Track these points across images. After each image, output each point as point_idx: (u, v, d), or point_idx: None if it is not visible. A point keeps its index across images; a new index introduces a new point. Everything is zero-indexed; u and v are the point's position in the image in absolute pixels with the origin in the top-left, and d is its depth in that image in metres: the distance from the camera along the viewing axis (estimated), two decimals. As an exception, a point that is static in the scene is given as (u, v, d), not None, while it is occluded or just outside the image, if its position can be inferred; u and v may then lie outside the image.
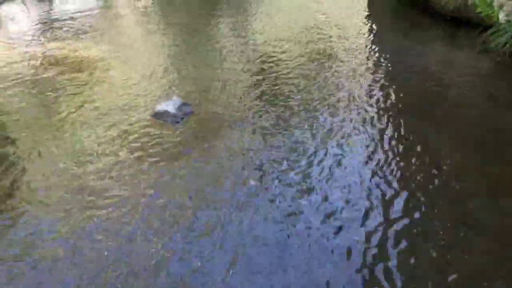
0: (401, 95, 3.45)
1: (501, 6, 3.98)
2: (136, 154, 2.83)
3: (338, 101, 3.39)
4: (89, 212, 2.36)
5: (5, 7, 6.30)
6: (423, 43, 4.28)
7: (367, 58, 4.07)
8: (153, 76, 3.97)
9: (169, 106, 3.24)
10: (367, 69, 3.88)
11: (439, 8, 4.62)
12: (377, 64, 3.95)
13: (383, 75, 3.76)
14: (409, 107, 3.27)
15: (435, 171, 2.54)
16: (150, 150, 2.87)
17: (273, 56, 4.26)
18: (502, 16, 3.92)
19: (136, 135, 3.05)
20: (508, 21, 3.83)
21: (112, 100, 3.59)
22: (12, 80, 4.07)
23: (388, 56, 4.11)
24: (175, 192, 2.48)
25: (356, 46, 4.33)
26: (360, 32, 4.68)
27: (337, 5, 5.59)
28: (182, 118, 3.21)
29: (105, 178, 2.61)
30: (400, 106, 3.30)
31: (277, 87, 3.67)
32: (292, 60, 4.15)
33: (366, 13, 5.34)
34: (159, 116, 3.23)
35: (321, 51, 4.29)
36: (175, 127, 3.14)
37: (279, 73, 3.93)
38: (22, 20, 5.84)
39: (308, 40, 4.58)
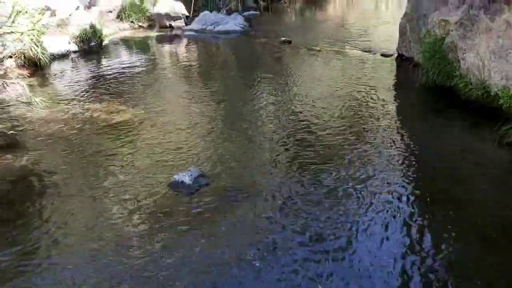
0: (420, 180, 3.46)
1: (523, 100, 4.00)
2: (143, 226, 2.94)
3: (362, 182, 3.42)
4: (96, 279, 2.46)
5: (56, 65, 6.80)
6: (444, 129, 4.31)
7: (391, 140, 4.11)
8: (178, 144, 4.16)
9: (186, 177, 3.38)
10: (390, 149, 3.92)
11: (463, 95, 4.68)
12: (398, 146, 4.00)
13: (402, 157, 3.79)
14: (424, 191, 3.28)
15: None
16: (160, 222, 2.97)
17: (300, 129, 4.38)
18: (524, 110, 3.94)
19: (149, 205, 3.18)
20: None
21: (135, 166, 3.77)
22: (48, 136, 4.37)
23: (408, 138, 4.16)
24: (179, 270, 2.55)
25: (382, 125, 4.40)
26: (386, 111, 4.77)
27: (366, 77, 5.74)
28: (197, 190, 3.33)
29: (115, 246, 2.72)
30: (416, 190, 3.31)
31: (300, 161, 3.76)
32: (319, 133, 4.25)
33: (393, 92, 5.44)
34: (175, 186, 3.36)
35: (349, 126, 4.39)
36: (189, 198, 3.26)
37: (304, 146, 4.03)
38: (69, 78, 6.28)
39: (337, 114, 4.70)
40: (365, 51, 6.82)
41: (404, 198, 3.22)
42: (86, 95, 5.52)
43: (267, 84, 5.80)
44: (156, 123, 4.67)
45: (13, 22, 5.02)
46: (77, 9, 8.25)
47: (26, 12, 5.81)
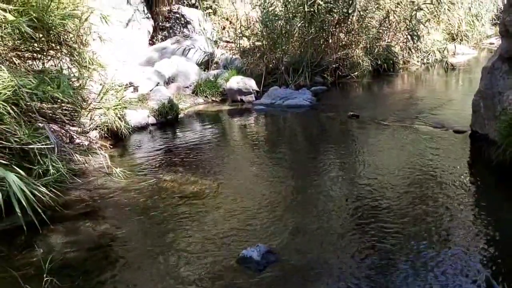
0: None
1: None
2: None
3: (436, 266, 3.28)
4: None
5: (136, 136, 7.27)
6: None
7: (466, 225, 3.92)
8: (247, 217, 4.22)
9: (254, 252, 3.40)
10: (466, 234, 3.74)
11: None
12: (475, 233, 3.79)
13: (482, 245, 3.59)
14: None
15: None
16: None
17: (369, 205, 4.31)
18: None
19: (217, 279, 3.21)
20: None
21: (205, 238, 3.86)
22: (125, 206, 4.62)
23: (486, 225, 3.94)
24: None
25: (456, 207, 4.23)
26: (461, 192, 4.58)
27: (437, 153, 5.59)
28: (265, 267, 3.32)
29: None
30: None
31: (370, 239, 3.67)
32: (389, 211, 4.16)
33: (468, 171, 5.25)
34: (243, 262, 3.39)
35: (420, 205, 4.26)
36: (257, 275, 3.26)
37: (374, 223, 3.94)
38: (146, 150, 6.68)
39: (407, 193, 4.59)
40: (436, 127, 6.70)
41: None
42: (161, 166, 5.82)
43: (334, 158, 5.82)
44: (227, 195, 4.80)
45: (101, 98, 5.53)
46: (157, 85, 8.92)
47: (112, 89, 6.38)
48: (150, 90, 8.65)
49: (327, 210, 4.35)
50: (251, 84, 9.25)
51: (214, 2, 13.28)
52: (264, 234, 3.89)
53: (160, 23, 12.36)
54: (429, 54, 12.84)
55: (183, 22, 12.28)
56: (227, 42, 12.74)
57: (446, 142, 6.11)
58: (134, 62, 9.91)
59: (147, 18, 11.43)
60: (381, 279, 3.18)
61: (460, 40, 14.89)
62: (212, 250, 3.66)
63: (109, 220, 4.39)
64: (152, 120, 7.86)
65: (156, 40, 11.99)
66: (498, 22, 15.53)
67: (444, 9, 12.77)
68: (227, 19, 13.38)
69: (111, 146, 6.46)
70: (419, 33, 12.22)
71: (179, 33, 11.74)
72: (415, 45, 12.46)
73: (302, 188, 5.00)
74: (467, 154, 5.76)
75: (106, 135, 6.72)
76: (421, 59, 12.68)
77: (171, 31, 12.16)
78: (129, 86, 8.61)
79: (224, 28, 13.30)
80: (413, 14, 11.96)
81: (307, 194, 4.79)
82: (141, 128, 7.62)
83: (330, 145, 6.53)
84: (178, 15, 12.41)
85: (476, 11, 14.89)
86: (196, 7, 12.79)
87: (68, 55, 5.36)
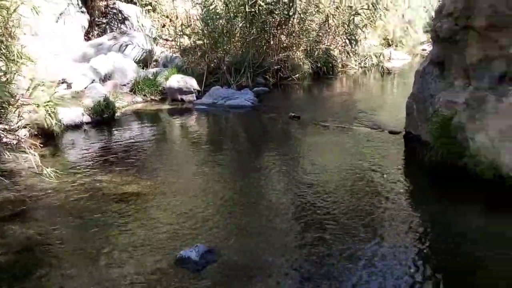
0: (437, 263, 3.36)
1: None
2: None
3: (376, 259, 3.33)
4: None
5: (69, 135, 6.92)
6: (458, 211, 4.24)
7: (402, 220, 4.04)
8: (186, 217, 4.11)
9: (193, 253, 3.30)
10: (402, 229, 3.84)
11: (473, 175, 4.65)
12: (410, 226, 3.91)
13: (416, 239, 3.70)
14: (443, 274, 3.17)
15: None
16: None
17: (310, 205, 4.33)
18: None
19: (154, 281, 3.08)
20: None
21: (142, 239, 3.71)
22: (56, 207, 4.36)
23: (422, 219, 4.09)
24: None
25: (392, 205, 4.34)
26: (396, 189, 4.72)
27: (374, 154, 5.74)
28: (204, 267, 3.23)
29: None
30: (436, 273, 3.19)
31: (311, 240, 3.68)
32: (329, 211, 4.19)
33: (403, 169, 5.42)
34: (180, 262, 3.28)
35: (360, 204, 4.35)
36: (195, 275, 3.17)
37: (314, 224, 3.96)
38: (80, 149, 6.36)
39: (347, 191, 4.67)
40: (372, 128, 6.90)
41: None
42: (96, 166, 5.56)
43: (276, 158, 5.83)
44: (166, 195, 4.65)
45: (30, 94, 5.19)
46: (92, 82, 8.55)
47: (43, 84, 6.03)
48: (85, 88, 8.28)
49: (268, 209, 4.33)
50: (192, 83, 9.11)
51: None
52: (204, 234, 3.80)
53: (97, 19, 11.91)
54: (366, 59, 13.23)
55: (120, 18, 11.88)
56: (167, 40, 12.49)
57: (381, 142, 6.30)
58: (68, 58, 9.45)
59: (82, 12, 10.96)
60: (320, 275, 3.19)
61: (395, 46, 15.51)
62: (149, 251, 3.52)
63: (39, 222, 4.12)
64: (87, 118, 7.52)
65: (92, 36, 11.53)
66: (430, 29, 16.39)
67: (380, 15, 13.24)
68: (167, 16, 13.11)
69: (42, 145, 6.10)
70: (356, 37, 12.59)
71: (116, 29, 11.35)
72: (353, 49, 12.82)
73: (243, 187, 4.95)
74: (401, 155, 5.96)
75: (36, 133, 6.35)
76: (359, 63, 13.05)
77: (107, 27, 11.73)
78: (62, 83, 8.20)
79: (164, 26, 13.00)
80: (351, 18, 12.31)
81: (248, 194, 4.75)
82: (75, 127, 7.27)
83: (271, 145, 6.54)
84: (115, 11, 12.00)
85: (409, 19, 15.58)
86: (135, 3, 12.42)
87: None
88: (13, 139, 5.19)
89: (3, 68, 4.96)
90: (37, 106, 5.30)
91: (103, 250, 3.57)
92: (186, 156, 6.12)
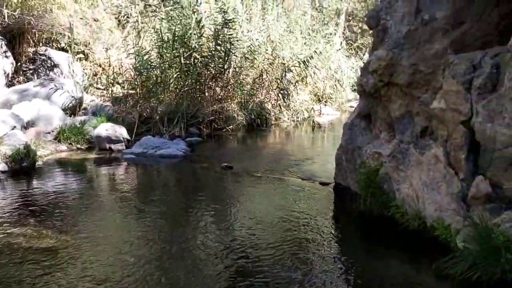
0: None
1: (457, 232, 4.08)
2: None
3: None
4: None
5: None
6: (383, 260, 4.26)
7: (329, 270, 3.97)
8: (102, 278, 3.79)
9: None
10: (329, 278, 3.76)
11: (400, 225, 4.74)
12: (336, 276, 3.85)
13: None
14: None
15: None
16: None
17: (239, 258, 4.16)
18: (459, 242, 3.99)
19: None
20: (466, 247, 3.88)
21: None
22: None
23: (347, 268, 4.05)
24: None
25: (320, 254, 4.29)
26: (325, 240, 4.69)
27: (305, 205, 5.72)
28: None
29: None
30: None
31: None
32: (260, 263, 4.04)
33: (332, 220, 5.44)
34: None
35: (289, 254, 4.26)
36: None
37: (244, 275, 3.79)
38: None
39: (277, 242, 4.56)
40: (304, 179, 6.94)
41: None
42: (8, 218, 5.09)
43: (207, 209, 5.67)
44: (85, 250, 4.31)
45: None
46: (13, 129, 8.03)
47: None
48: (4, 134, 7.74)
49: (199, 261, 4.12)
50: (122, 132, 8.82)
51: (86, 47, 12.72)
52: (124, 292, 3.50)
53: (24, 64, 11.43)
54: (298, 113, 13.60)
55: (49, 65, 11.46)
56: (98, 88, 12.18)
57: (312, 193, 6.33)
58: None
59: (6, 57, 10.48)
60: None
61: (325, 102, 16.13)
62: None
63: None
64: (3, 167, 6.99)
65: (17, 82, 10.99)
66: (357, 83, 17.32)
67: (311, 73, 13.81)
68: (99, 65, 12.86)
69: None
70: (289, 92, 12.98)
71: (44, 75, 10.91)
72: (285, 103, 13.16)
73: (171, 240, 4.70)
74: (331, 205, 6.01)
75: None
76: (291, 117, 13.36)
77: (35, 74, 11.26)
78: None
79: (95, 75, 12.71)
80: (283, 74, 12.72)
81: (177, 246, 4.50)
82: (-12, 177, 6.72)
83: (202, 196, 6.36)
84: (44, 57, 11.58)
85: (338, 77, 16.36)
86: (66, 51, 12.10)
87: None
88: None
89: None
90: None
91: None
92: (110, 208, 5.77)
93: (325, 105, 15.68)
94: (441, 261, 3.86)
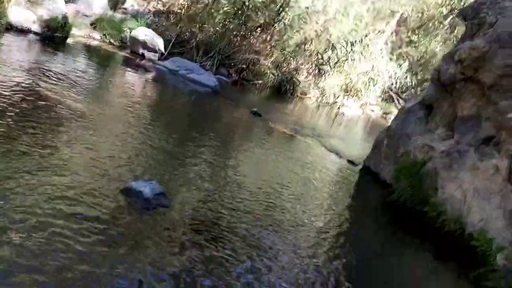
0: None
1: (500, 249, 3.82)
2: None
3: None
4: None
5: (10, 36, 5.94)
6: (412, 261, 4.03)
7: (354, 267, 3.60)
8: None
9: (146, 188, 2.69)
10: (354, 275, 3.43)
11: (434, 223, 4.47)
12: (362, 276, 3.52)
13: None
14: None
15: None
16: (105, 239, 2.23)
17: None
18: (500, 259, 3.73)
19: (96, 214, 2.43)
20: (507, 266, 3.63)
21: (80, 166, 3.02)
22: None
23: (374, 268, 3.74)
24: None
25: (336, 250, 3.87)
26: (342, 229, 4.30)
27: (329, 179, 5.42)
28: (154, 208, 2.63)
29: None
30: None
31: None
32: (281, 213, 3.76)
33: (358, 205, 5.14)
34: (129, 194, 2.65)
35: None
36: (142, 214, 2.56)
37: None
38: (18, 53, 5.45)
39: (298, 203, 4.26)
40: (330, 151, 6.63)
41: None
42: (35, 79, 4.73)
43: (242, 154, 5.36)
44: (112, 127, 3.98)
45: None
46: (55, -4, 7.56)
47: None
48: (45, -1, 7.26)
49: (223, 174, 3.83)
50: (159, 42, 8.40)
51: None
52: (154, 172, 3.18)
53: None
54: (325, 95, 13.23)
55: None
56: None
57: (339, 168, 6.05)
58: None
59: None
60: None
61: (352, 95, 15.75)
62: (95, 178, 2.85)
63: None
64: (36, 28, 6.58)
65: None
66: (388, 94, 16.94)
67: (352, 59, 13.40)
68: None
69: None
70: (325, 70, 12.60)
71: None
72: (317, 81, 12.76)
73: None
74: (358, 186, 5.70)
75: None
76: (317, 96, 13.00)
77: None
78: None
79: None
80: (327, 49, 12.30)
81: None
82: (20, 31, 6.31)
83: (234, 135, 6.05)
84: None
85: (373, 76, 15.95)
86: None
87: None
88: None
89: None
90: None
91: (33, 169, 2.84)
92: (133, 111, 5.42)
93: (352, 97, 15.34)
94: (480, 272, 3.60)
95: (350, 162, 6.35)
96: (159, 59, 8.39)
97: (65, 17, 6.92)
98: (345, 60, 13.40)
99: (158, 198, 2.69)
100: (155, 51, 8.35)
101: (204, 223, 2.81)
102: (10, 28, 6.05)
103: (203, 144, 4.94)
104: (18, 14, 6.09)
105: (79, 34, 7.70)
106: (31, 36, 6.43)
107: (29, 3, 6.81)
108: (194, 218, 2.81)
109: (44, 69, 5.13)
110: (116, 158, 3.31)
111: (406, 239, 4.46)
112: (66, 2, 7.97)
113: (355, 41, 12.68)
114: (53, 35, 6.74)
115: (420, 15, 19.91)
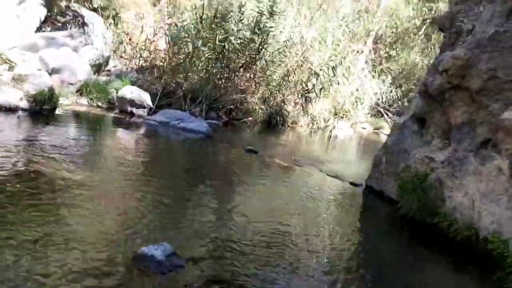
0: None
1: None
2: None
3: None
4: None
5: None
6: (430, 272, 3.96)
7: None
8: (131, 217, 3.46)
9: (157, 251, 2.67)
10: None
11: (446, 233, 4.44)
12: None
13: None
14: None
15: None
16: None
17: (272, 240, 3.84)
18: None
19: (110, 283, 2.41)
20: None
21: (91, 229, 3.01)
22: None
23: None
24: None
25: (358, 265, 3.91)
26: (362, 246, 4.33)
27: (333, 205, 5.40)
28: (170, 271, 2.60)
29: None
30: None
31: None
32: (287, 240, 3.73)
33: (366, 222, 5.14)
34: (141, 260, 2.63)
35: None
36: (157, 278, 2.53)
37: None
38: (12, 133, 5.50)
39: (304, 233, 4.24)
40: (331, 176, 6.64)
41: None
42: (29, 153, 4.76)
43: (242, 189, 5.35)
44: (107, 185, 3.98)
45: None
46: (38, 70, 7.69)
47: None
48: (29, 74, 7.38)
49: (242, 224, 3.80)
50: (146, 98, 8.50)
51: (117, 14, 12.41)
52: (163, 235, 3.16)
53: (55, 16, 11.09)
54: (315, 121, 13.35)
55: (80, 22, 11.13)
56: (121, 57, 11.86)
57: (341, 192, 6.02)
58: (17, 43, 8.51)
59: (43, 5, 10.14)
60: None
61: (341, 117, 15.89)
62: (100, 243, 2.83)
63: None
64: (24, 104, 6.65)
65: (45, 30, 10.65)
66: (377, 110, 17.09)
67: (336, 82, 13.59)
68: (127, 34, 12.55)
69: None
70: (311, 97, 12.76)
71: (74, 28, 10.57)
72: (305, 108, 12.90)
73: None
74: (364, 206, 5.74)
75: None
76: (308, 123, 13.11)
77: (64, 26, 10.92)
78: (5, 62, 7.29)
79: (121, 43, 12.40)
80: (310, 77, 12.49)
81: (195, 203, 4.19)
82: (9, 110, 6.38)
83: (231, 175, 6.07)
84: (76, 14, 11.25)
85: (359, 95, 16.14)
86: (97, 12, 11.79)
87: None
88: None
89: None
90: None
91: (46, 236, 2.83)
92: (131, 167, 5.44)
93: (342, 119, 15.46)
94: (500, 275, 3.57)
95: (352, 183, 6.35)
96: (148, 114, 8.47)
97: (51, 89, 7.01)
98: (330, 85, 13.58)
99: (170, 259, 2.66)
100: (144, 107, 8.43)
101: (221, 279, 2.78)
102: (-1, 109, 6.12)
103: (204, 191, 4.95)
104: (4, 94, 6.17)
105: (67, 103, 7.79)
106: (20, 113, 6.50)
107: (14, 80, 6.92)
108: (210, 276, 2.77)
109: (36, 144, 5.18)
110: (121, 224, 3.30)
111: (423, 252, 4.40)
112: (50, 74, 8.14)
113: (336, 65, 12.89)
114: (41, 108, 6.81)
115: (394, 30, 20.36)
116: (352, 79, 16.12)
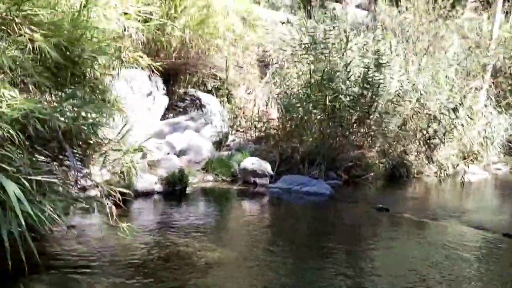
0: None
1: None
2: None
3: None
4: None
5: (138, 202, 6.52)
6: None
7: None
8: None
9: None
10: None
11: None
12: None
13: None
14: None
15: None
16: None
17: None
18: None
19: None
20: None
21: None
22: (121, 265, 3.78)
23: None
24: None
25: None
26: None
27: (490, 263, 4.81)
28: None
29: None
30: None
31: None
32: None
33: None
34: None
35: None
36: None
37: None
38: (150, 216, 5.91)
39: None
40: (477, 228, 5.99)
41: None
42: (170, 231, 5.04)
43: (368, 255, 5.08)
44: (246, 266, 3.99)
45: (122, 137, 4.94)
46: (167, 154, 8.34)
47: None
48: (160, 159, 8.03)
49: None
50: (266, 166, 8.70)
51: (229, 92, 13.22)
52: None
53: (174, 103, 12.15)
54: (442, 168, 12.50)
55: (198, 104, 12.05)
56: (238, 131, 12.47)
57: (492, 246, 5.37)
58: (145, 131, 9.40)
59: (165, 95, 11.22)
60: None
61: (472, 160, 14.72)
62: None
63: (109, 276, 3.53)
64: (159, 187, 7.18)
65: (168, 117, 11.68)
66: (509, 147, 15.60)
67: (460, 124, 12.72)
68: (240, 108, 13.24)
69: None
70: (435, 144, 12.05)
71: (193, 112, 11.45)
72: (430, 156, 12.19)
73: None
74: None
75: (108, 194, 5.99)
76: (435, 171, 12.31)
77: (184, 111, 11.89)
78: (140, 151, 8.02)
79: (236, 117, 13.09)
80: (429, 123, 11.88)
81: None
82: (146, 194, 6.91)
83: (365, 238, 5.80)
84: (193, 98, 12.23)
85: (487, 134, 14.92)
86: (212, 94, 12.69)
87: (90, 92, 4.85)
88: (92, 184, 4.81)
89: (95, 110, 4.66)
90: (123, 154, 4.95)
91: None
92: (262, 235, 5.47)
93: (472, 162, 14.32)
94: None
95: (506, 235, 5.64)
96: (270, 182, 8.62)
97: (181, 170, 7.51)
98: (453, 128, 12.76)
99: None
100: (265, 176, 8.62)
101: None
102: (138, 195, 6.64)
103: (342, 258, 4.75)
104: (142, 181, 6.71)
105: (195, 181, 8.24)
106: (155, 196, 7.00)
107: (148, 166, 7.55)
108: None
109: (173, 224, 5.49)
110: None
111: None
112: (178, 156, 8.78)
113: (457, 106, 12.15)
114: (174, 189, 7.28)
115: (512, 60, 18.91)
116: (477, 118, 15.06)
